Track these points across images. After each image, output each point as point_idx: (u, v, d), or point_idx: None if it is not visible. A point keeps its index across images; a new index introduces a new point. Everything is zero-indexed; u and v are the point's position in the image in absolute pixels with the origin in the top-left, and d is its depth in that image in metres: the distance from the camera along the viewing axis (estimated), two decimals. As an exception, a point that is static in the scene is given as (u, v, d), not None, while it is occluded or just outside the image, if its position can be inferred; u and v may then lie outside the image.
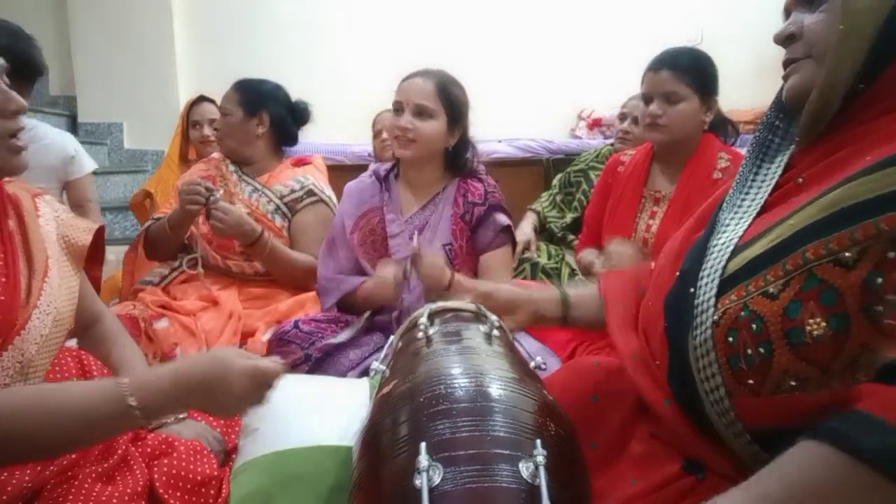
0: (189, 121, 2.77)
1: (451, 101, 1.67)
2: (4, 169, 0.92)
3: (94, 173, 3.60)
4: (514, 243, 1.77)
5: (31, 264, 0.97)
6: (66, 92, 4.12)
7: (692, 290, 0.77)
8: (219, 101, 2.15)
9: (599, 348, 1.65)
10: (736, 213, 0.82)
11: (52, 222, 1.07)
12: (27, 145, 0.93)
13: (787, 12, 0.82)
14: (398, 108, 1.67)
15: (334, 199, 2.05)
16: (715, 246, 0.79)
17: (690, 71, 1.64)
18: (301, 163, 2.12)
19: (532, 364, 0.94)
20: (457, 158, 1.75)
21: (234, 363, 0.82)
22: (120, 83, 3.94)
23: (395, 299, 1.63)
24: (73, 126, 4.06)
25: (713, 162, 1.65)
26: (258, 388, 0.84)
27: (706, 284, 0.75)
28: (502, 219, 1.71)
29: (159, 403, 0.79)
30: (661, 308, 0.84)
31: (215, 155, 2.17)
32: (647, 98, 1.69)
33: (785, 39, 0.79)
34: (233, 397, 0.82)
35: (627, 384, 0.98)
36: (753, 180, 0.83)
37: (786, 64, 0.80)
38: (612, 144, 2.68)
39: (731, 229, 0.80)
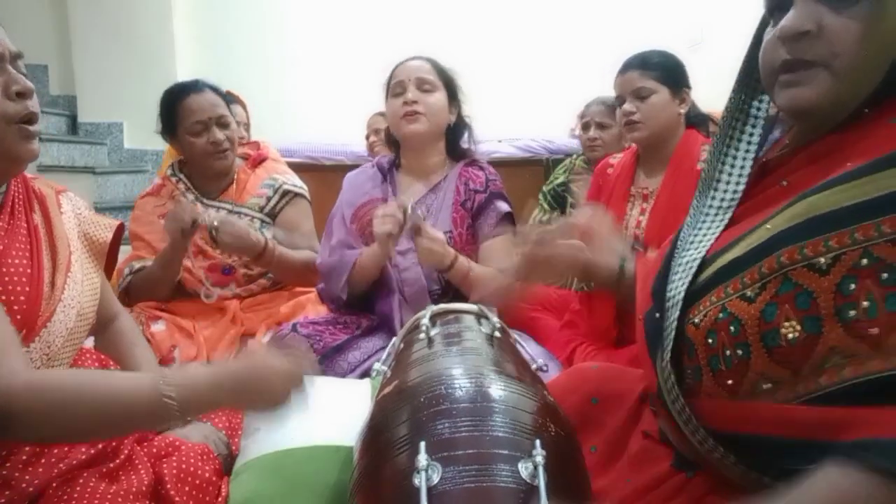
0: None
1: (446, 76, 1.73)
2: (14, 154, 0.91)
3: (94, 173, 3.65)
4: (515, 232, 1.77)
5: (54, 258, 0.98)
6: (66, 92, 4.12)
7: (657, 314, 0.77)
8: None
9: (598, 350, 1.66)
10: (703, 222, 0.81)
11: (73, 219, 1.08)
12: (39, 131, 0.93)
13: None
14: (400, 90, 1.68)
15: (304, 186, 2.01)
16: (679, 265, 0.78)
17: (655, 66, 1.70)
18: (259, 161, 2.01)
19: (534, 366, 0.94)
20: (456, 141, 1.77)
21: (273, 365, 0.84)
22: (120, 83, 3.94)
23: (393, 239, 1.54)
24: (73, 126, 4.06)
25: (696, 154, 1.69)
26: (292, 387, 0.86)
27: (671, 308, 0.75)
28: (503, 206, 1.72)
29: (197, 400, 0.82)
30: (642, 327, 0.84)
31: (157, 180, 1.96)
32: (620, 100, 1.75)
33: (797, 35, 0.68)
34: (269, 395, 0.85)
35: (626, 387, 1.00)
36: (718, 181, 0.82)
37: (793, 65, 0.70)
38: (581, 155, 2.69)
39: (696, 247, 0.78)
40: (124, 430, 0.90)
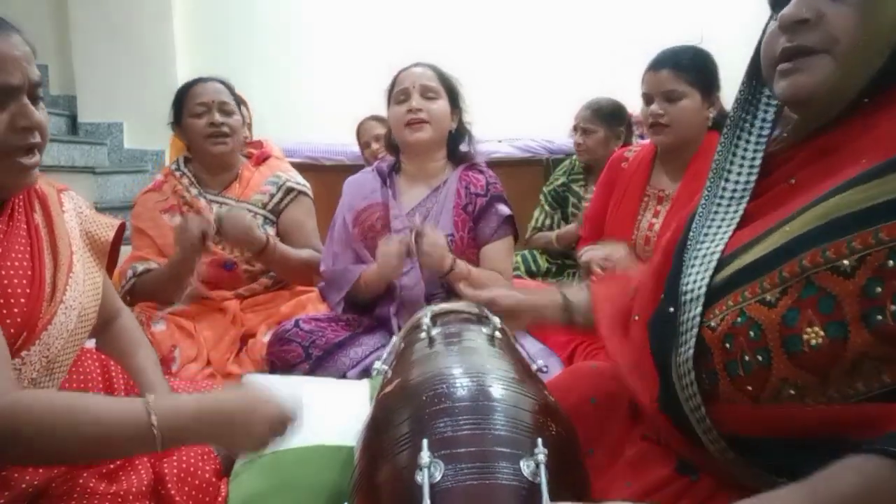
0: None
1: (448, 83, 1.75)
2: (9, 185, 0.91)
3: (94, 173, 3.64)
4: (515, 234, 1.78)
5: (56, 259, 0.97)
6: (66, 92, 4.11)
7: (671, 309, 0.76)
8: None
9: (599, 349, 1.65)
10: (717, 212, 0.79)
11: (75, 218, 1.07)
12: (38, 163, 0.92)
13: None
14: (404, 98, 1.69)
15: (307, 184, 2.02)
16: (696, 258, 0.76)
17: (690, 68, 1.62)
18: (263, 159, 2.03)
19: (534, 367, 0.94)
20: (457, 146, 1.79)
21: (259, 407, 0.83)
22: (120, 83, 3.93)
23: (397, 273, 1.61)
24: (73, 126, 4.06)
25: None
26: (276, 431, 0.85)
27: (690, 301, 0.73)
28: (504, 209, 1.72)
29: (180, 432, 0.80)
30: (645, 327, 0.82)
31: (159, 177, 1.97)
32: (647, 98, 1.67)
33: (796, 24, 0.69)
34: (251, 438, 0.83)
35: (624, 387, 0.99)
36: (730, 170, 0.80)
37: (792, 53, 0.71)
38: (576, 156, 2.70)
39: (711, 239, 0.77)
40: (103, 456, 0.88)
